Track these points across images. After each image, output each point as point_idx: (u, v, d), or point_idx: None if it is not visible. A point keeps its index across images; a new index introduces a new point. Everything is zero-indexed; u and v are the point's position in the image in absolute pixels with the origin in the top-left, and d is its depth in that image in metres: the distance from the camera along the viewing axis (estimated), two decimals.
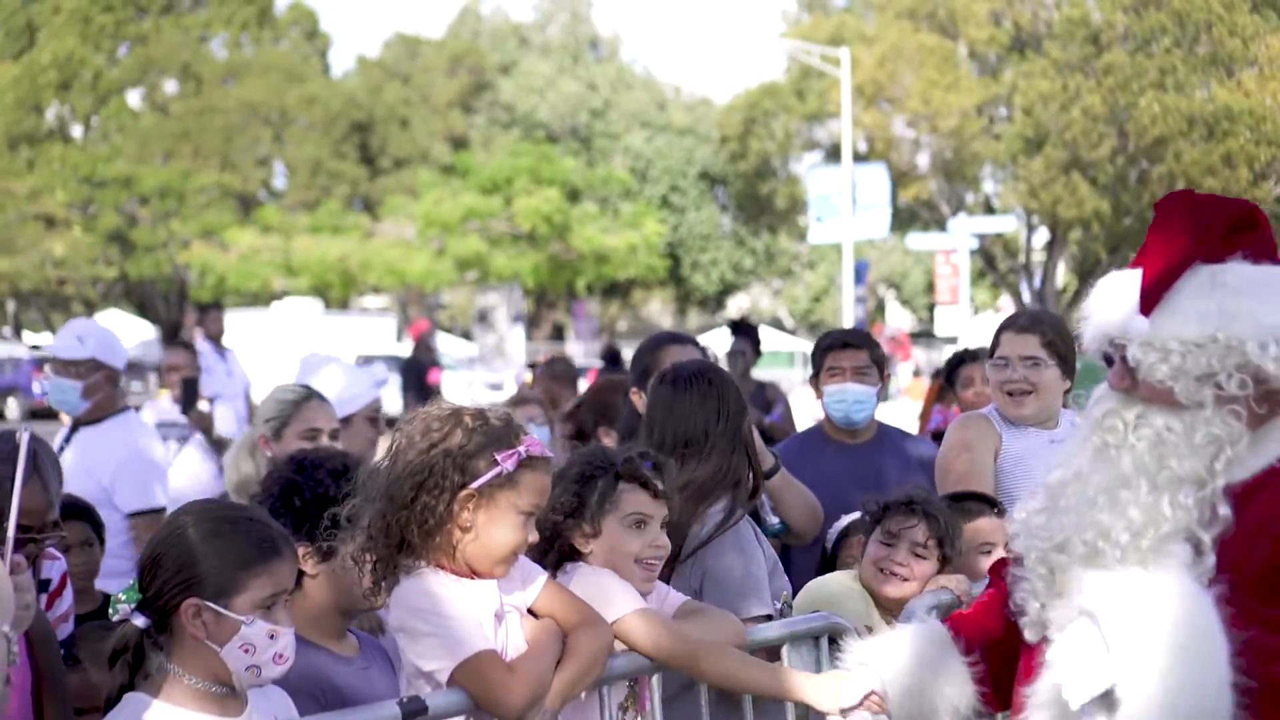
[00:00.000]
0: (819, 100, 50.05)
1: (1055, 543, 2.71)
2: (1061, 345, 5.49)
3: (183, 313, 66.21)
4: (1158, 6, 41.57)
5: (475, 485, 3.42)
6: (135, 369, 49.07)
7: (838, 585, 4.62)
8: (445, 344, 61.14)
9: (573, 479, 3.87)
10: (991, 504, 5.03)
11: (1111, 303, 2.68)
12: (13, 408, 46.56)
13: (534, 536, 3.53)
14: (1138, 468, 2.59)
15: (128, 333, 77.30)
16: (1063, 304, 50.31)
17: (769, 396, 11.82)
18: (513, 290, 50.62)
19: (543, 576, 3.62)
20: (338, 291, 37.79)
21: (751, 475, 4.44)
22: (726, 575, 4.12)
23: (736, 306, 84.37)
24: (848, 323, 45.32)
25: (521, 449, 3.46)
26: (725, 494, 4.28)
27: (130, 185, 59.88)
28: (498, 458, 3.43)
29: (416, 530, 3.47)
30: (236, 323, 48.40)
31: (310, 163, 64.40)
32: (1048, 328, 5.50)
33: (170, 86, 68.83)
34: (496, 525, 3.44)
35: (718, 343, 60.52)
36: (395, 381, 37.99)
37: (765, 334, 53.70)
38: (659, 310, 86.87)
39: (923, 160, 47.41)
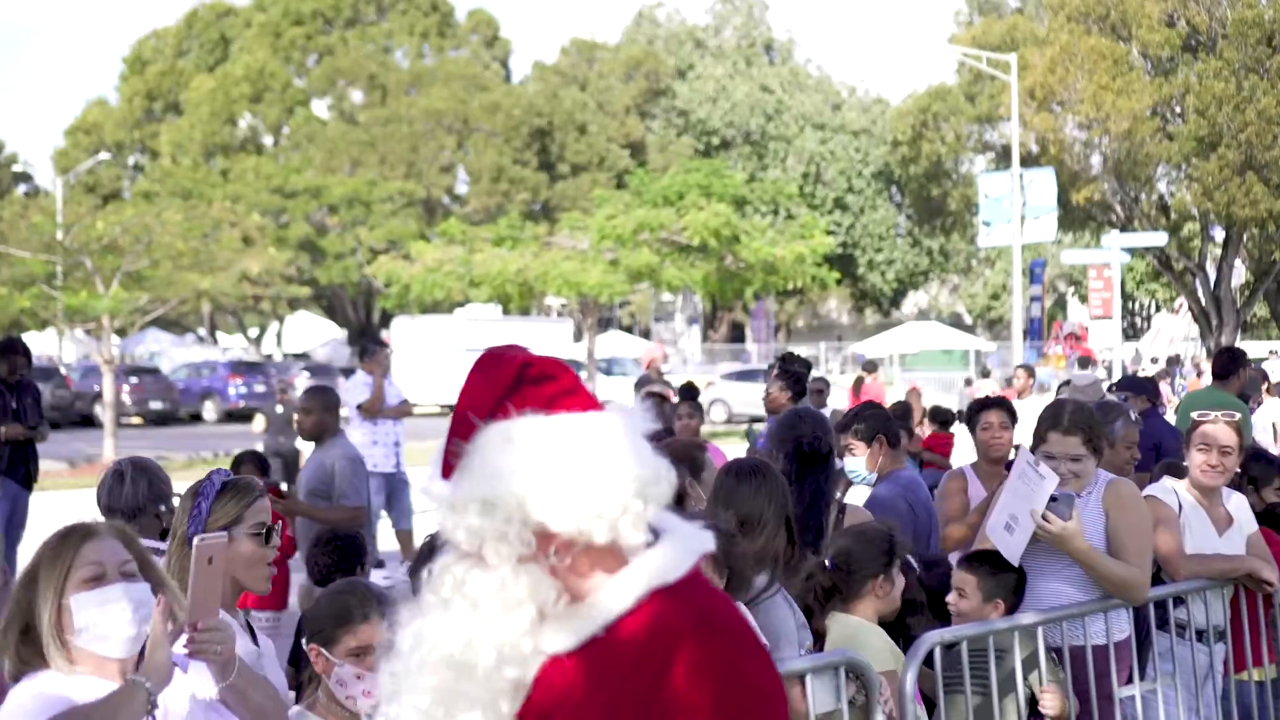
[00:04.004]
0: (989, 103, 50.11)
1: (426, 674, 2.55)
2: (1097, 440, 6.28)
3: (369, 317, 68.30)
4: None
5: None
6: (323, 370, 50.82)
7: (858, 626, 5.47)
8: (625, 344, 62.30)
9: None
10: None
11: (432, 470, 2.63)
12: (210, 410, 47.84)
13: None
14: (463, 634, 2.49)
15: (317, 335, 79.79)
16: (1239, 302, 49.83)
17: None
18: (688, 292, 51.33)
19: None
20: (516, 301, 38.96)
21: (791, 546, 5.40)
22: (765, 628, 5.04)
23: (914, 304, 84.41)
24: (1020, 322, 45.47)
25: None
26: (767, 567, 5.14)
27: (319, 194, 61.87)
28: None
29: None
30: (420, 328, 50.13)
31: (492, 169, 65.91)
32: (1087, 428, 6.26)
33: (356, 96, 70.84)
34: None
35: (890, 344, 60.34)
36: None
37: (942, 331, 53.17)
38: (836, 309, 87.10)
39: (1095, 162, 47.26)
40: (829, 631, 5.51)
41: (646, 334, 75.61)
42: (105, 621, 3.43)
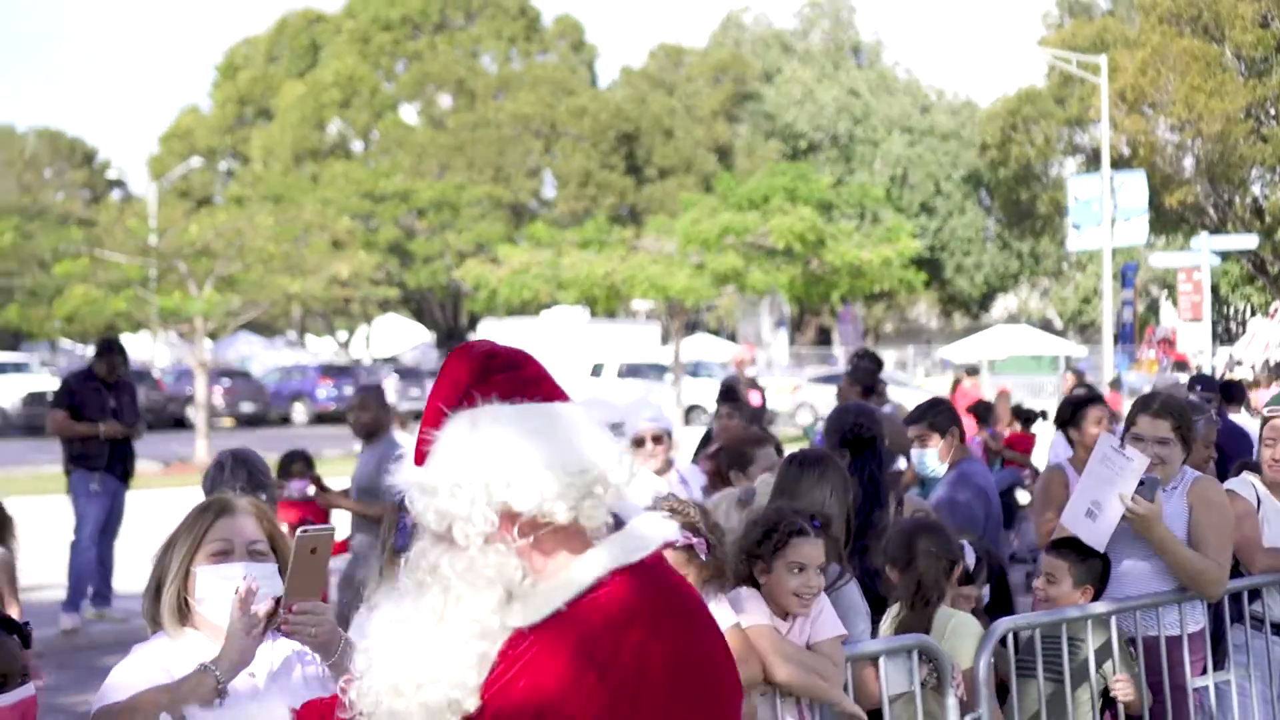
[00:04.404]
0: (1079, 106, 49.77)
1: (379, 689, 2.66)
2: (1186, 430, 6.35)
3: (457, 320, 68.76)
4: None
5: None
6: (412, 374, 51.25)
7: (961, 622, 5.57)
8: (712, 348, 62.33)
9: (761, 526, 4.92)
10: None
11: (407, 460, 2.77)
12: (300, 412, 48.40)
13: None
14: (435, 611, 2.61)
15: (405, 338, 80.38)
16: None
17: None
18: (775, 295, 51.26)
19: None
20: (603, 304, 39.14)
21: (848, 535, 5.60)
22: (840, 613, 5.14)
23: (1003, 308, 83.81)
24: (1110, 326, 45.08)
25: None
26: (833, 556, 5.22)
27: (407, 198, 62.39)
28: None
29: None
30: (506, 330, 50.46)
31: (579, 173, 66.18)
32: (1177, 414, 6.32)
33: (444, 101, 71.33)
34: None
35: (979, 348, 59.92)
36: (655, 389, 39.22)
37: (1032, 335, 52.49)
38: (924, 313, 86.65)
39: (1187, 165, 46.82)
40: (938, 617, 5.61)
41: (733, 338, 75.53)
42: (222, 595, 3.60)
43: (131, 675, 3.56)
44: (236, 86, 72.67)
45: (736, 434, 8.77)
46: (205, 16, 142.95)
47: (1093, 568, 6.06)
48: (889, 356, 68.28)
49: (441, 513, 2.62)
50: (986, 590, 6.26)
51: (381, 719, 2.64)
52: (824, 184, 40.75)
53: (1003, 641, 5.61)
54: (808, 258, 36.12)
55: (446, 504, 2.61)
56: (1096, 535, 6.06)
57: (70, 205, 56.70)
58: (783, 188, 36.90)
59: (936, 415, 7.84)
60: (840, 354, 69.48)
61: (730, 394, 13.36)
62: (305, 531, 3.49)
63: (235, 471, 6.18)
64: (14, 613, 7.46)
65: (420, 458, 2.71)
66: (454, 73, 69.65)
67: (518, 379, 2.72)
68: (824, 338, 79.22)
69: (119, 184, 77.66)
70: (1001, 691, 5.79)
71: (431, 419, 2.71)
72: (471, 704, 2.59)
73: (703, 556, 4.51)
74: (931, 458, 7.78)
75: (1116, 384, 30.54)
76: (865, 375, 10.79)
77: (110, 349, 14.19)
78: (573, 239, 39.73)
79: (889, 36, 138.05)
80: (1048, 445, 12.05)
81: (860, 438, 6.53)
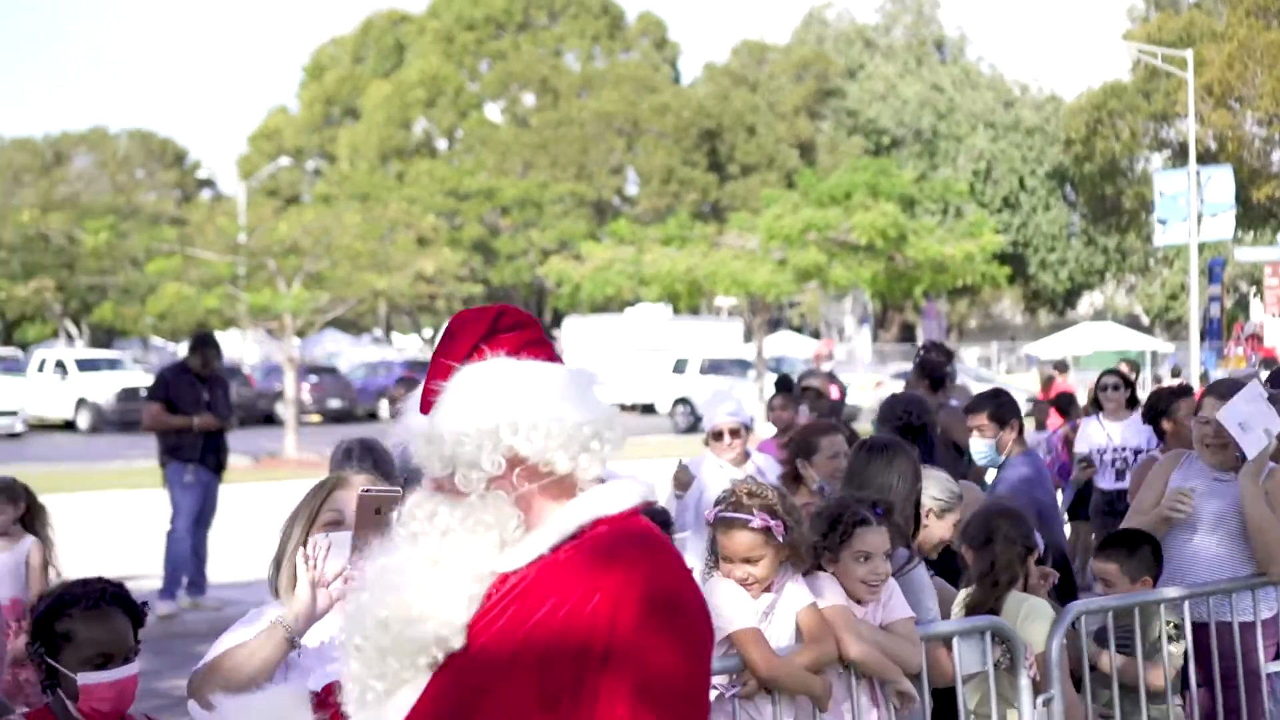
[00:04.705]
0: (1165, 100, 49.34)
1: (368, 625, 2.79)
2: None
3: (541, 317, 69.10)
4: None
5: None
6: None
7: (1035, 606, 5.69)
8: (795, 344, 62.31)
9: (826, 518, 5.08)
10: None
11: (410, 412, 2.87)
12: (385, 409, 48.71)
13: None
14: (430, 556, 2.73)
15: None
16: None
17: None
18: (858, 291, 51.12)
19: None
20: (685, 300, 39.30)
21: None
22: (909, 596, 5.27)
23: (1089, 304, 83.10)
24: (1197, 322, 44.67)
25: None
26: (900, 541, 5.35)
27: (492, 196, 62.80)
28: None
29: None
30: (590, 328, 50.67)
31: (662, 170, 66.35)
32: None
33: (528, 99, 71.74)
34: None
35: (1064, 345, 59.44)
36: (737, 385, 39.24)
37: (1118, 332, 52.00)
38: (1009, 309, 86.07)
39: (1275, 159, 46.32)
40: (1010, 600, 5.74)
41: (816, 334, 75.39)
42: (330, 562, 3.75)
43: (233, 636, 3.76)
44: (323, 87, 73.45)
45: (806, 424, 8.95)
46: (292, 18, 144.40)
47: (1143, 558, 6.15)
48: (972, 353, 67.95)
49: (447, 459, 2.74)
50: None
51: (370, 654, 2.76)
52: (906, 179, 40.68)
53: (1073, 626, 5.72)
54: (890, 253, 36.10)
55: (453, 450, 2.73)
56: (1246, 443, 6.22)
57: (162, 205, 57.60)
58: (864, 183, 36.88)
59: (998, 406, 7.95)
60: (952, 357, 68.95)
61: (785, 385, 13.54)
62: (368, 491, 3.64)
63: (362, 458, 6.40)
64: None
65: (426, 407, 2.82)
66: (538, 71, 70.03)
67: (525, 338, 2.86)
68: (908, 334, 78.88)
69: (209, 184, 78.68)
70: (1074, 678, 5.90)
71: (439, 372, 2.84)
72: (458, 641, 2.72)
73: (779, 539, 4.66)
74: (990, 448, 7.89)
75: (1205, 380, 30.36)
76: (933, 368, 10.85)
77: (204, 343, 14.50)
78: (655, 236, 39.90)
79: (972, 31, 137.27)
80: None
81: (910, 425, 6.68)
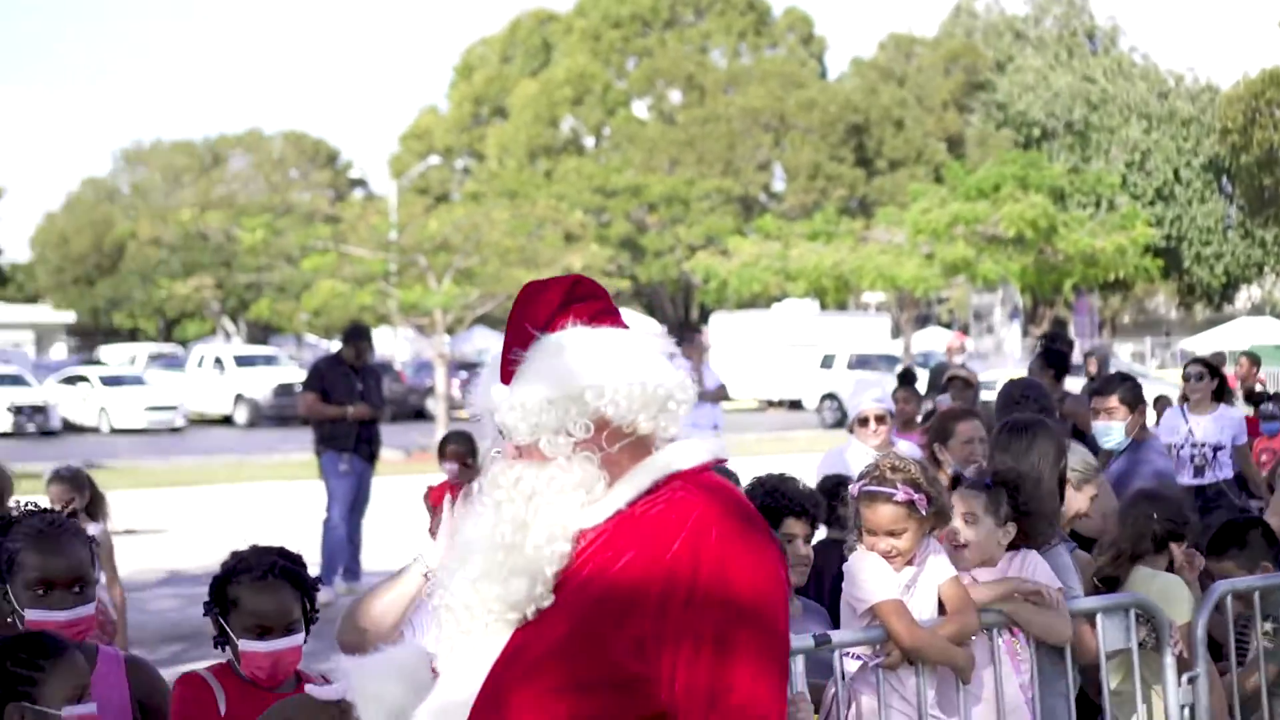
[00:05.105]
0: None
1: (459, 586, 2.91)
2: None
3: (688, 313, 69.28)
4: None
5: None
6: None
7: (1167, 581, 5.70)
8: (943, 340, 61.69)
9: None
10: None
11: (489, 381, 2.98)
12: None
13: None
14: (517, 520, 2.84)
15: None
16: None
17: None
18: (1007, 286, 50.54)
19: None
20: (832, 295, 39.23)
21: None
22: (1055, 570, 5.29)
23: (1247, 298, 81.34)
24: None
25: None
26: (1043, 522, 5.36)
27: (639, 193, 63.07)
28: None
29: None
30: (738, 323, 50.68)
31: (809, 166, 66.16)
32: None
33: (675, 96, 71.89)
34: None
35: (1221, 340, 58.54)
36: (885, 380, 38.95)
37: (1276, 327, 51.00)
38: (1163, 304, 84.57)
39: None
40: (1133, 581, 5.73)
41: (965, 330, 74.73)
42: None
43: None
44: (472, 86, 74.20)
45: (943, 410, 9.09)
46: (442, 19, 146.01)
47: (1256, 544, 6.11)
48: (1125, 348, 66.86)
49: (535, 425, 2.87)
50: None
51: (458, 610, 2.90)
52: (1055, 172, 40.25)
53: (1218, 607, 5.71)
54: (1040, 246, 35.70)
55: (540, 417, 2.86)
56: None
57: (316, 204, 58.54)
58: (1013, 176, 36.52)
59: (1129, 389, 7.94)
60: (1076, 346, 68.09)
61: (908, 378, 13.69)
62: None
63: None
64: (115, 593, 8.02)
65: (507, 377, 2.95)
66: (684, 68, 70.18)
67: (599, 308, 2.98)
68: (1059, 330, 77.83)
69: (361, 183, 79.85)
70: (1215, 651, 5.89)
71: (517, 339, 2.96)
72: (547, 600, 2.84)
73: (922, 512, 4.73)
74: (1116, 430, 7.88)
75: None
76: (1056, 358, 10.86)
77: (358, 335, 14.84)
78: (801, 231, 39.85)
79: (1125, 21, 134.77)
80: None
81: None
